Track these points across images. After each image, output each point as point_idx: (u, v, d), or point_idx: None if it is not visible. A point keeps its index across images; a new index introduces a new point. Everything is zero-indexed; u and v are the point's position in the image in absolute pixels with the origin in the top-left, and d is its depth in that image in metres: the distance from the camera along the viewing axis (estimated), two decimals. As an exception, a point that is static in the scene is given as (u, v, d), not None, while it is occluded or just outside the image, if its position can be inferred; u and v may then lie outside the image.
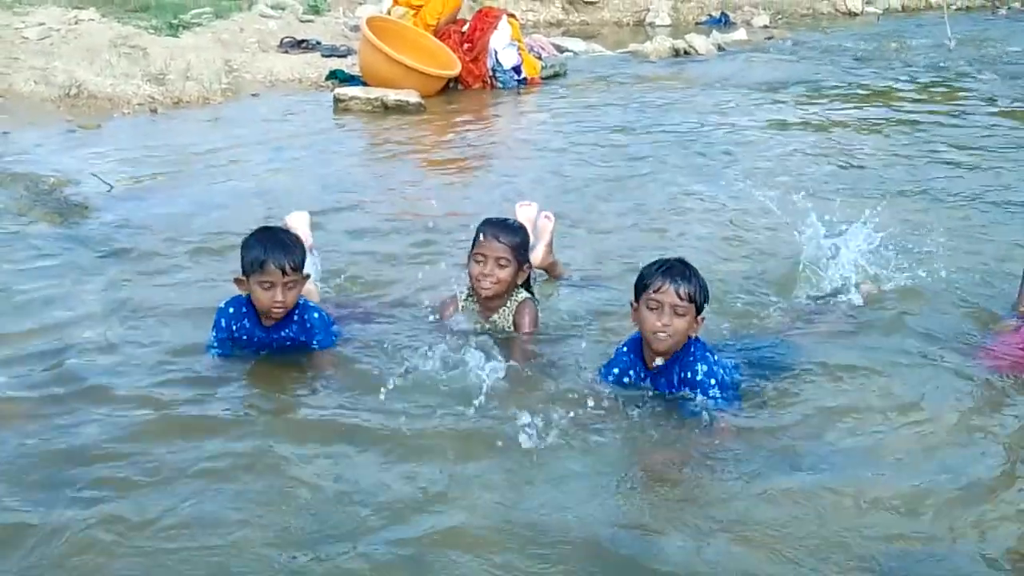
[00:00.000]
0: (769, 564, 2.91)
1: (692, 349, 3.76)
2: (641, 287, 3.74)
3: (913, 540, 3.05)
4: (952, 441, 3.64)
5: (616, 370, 3.88)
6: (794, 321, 4.61)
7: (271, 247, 3.95)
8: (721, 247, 5.65)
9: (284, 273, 3.95)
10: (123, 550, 2.92)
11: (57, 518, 3.04)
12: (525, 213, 5.03)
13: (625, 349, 3.91)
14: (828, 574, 2.88)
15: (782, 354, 4.21)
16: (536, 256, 4.88)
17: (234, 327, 4.15)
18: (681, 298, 3.64)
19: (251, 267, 3.95)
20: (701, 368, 3.73)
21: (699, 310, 3.72)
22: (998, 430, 3.71)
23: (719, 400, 3.71)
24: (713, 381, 3.72)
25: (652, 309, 3.68)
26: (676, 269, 3.70)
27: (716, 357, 3.81)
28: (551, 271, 5.09)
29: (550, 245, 5.03)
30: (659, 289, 3.65)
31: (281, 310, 4.02)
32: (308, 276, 4.17)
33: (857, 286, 4.78)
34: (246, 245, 4.02)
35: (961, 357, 4.23)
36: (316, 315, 4.14)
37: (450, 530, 3.04)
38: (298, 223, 4.88)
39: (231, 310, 4.15)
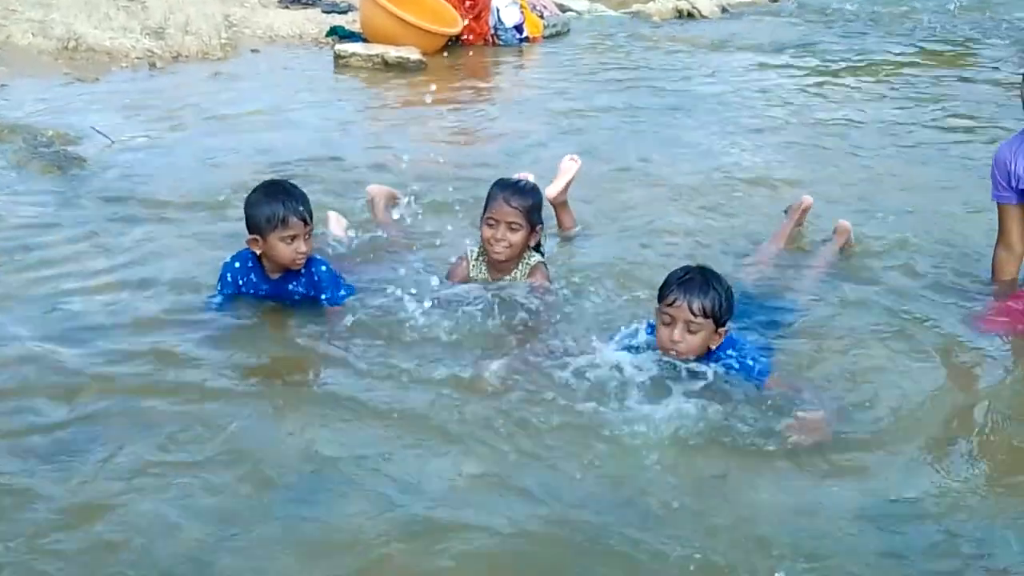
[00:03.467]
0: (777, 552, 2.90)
1: (716, 351, 3.57)
2: (660, 294, 3.56)
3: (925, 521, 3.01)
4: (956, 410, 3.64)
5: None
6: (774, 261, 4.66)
7: (287, 201, 3.94)
8: (713, 202, 5.74)
9: (305, 223, 3.95)
10: (123, 506, 2.92)
11: (57, 474, 3.04)
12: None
13: (650, 332, 3.67)
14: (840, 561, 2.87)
15: (775, 315, 4.16)
16: (553, 189, 4.97)
17: (240, 281, 4.13)
18: (695, 314, 3.45)
19: (269, 223, 3.91)
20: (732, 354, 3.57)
21: (720, 322, 3.52)
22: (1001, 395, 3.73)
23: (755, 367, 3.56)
24: (751, 361, 3.55)
25: (665, 324, 3.52)
26: (695, 282, 3.48)
27: (743, 343, 3.64)
28: (561, 218, 5.08)
29: (568, 184, 5.05)
30: (672, 303, 3.48)
31: (303, 260, 4.02)
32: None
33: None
34: (255, 203, 3.97)
35: (960, 322, 4.25)
36: (324, 268, 4.12)
37: (454, 498, 3.04)
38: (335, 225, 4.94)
39: (237, 264, 4.13)
